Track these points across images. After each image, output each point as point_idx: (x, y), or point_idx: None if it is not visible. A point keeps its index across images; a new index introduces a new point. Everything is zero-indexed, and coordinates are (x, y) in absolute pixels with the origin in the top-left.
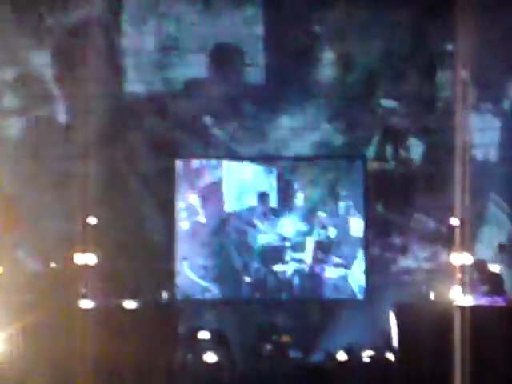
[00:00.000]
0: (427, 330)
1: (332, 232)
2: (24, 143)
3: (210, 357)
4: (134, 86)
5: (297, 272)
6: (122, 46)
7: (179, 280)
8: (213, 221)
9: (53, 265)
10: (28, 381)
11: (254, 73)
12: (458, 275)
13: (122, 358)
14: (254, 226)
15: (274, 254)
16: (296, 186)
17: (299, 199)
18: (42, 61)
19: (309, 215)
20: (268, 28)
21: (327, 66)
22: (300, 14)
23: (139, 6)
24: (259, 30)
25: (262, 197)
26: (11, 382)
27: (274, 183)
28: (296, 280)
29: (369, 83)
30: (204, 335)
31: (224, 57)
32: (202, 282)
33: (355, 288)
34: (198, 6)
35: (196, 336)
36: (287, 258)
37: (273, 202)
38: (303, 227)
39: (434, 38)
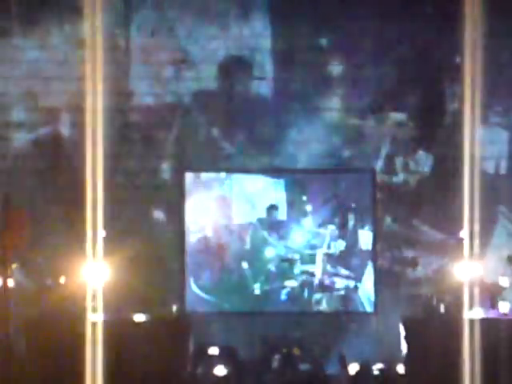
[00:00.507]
0: (436, 343)
1: (341, 245)
2: (31, 156)
3: (220, 370)
4: (144, 98)
5: (306, 284)
6: (131, 58)
7: (189, 293)
8: (222, 234)
9: (62, 278)
10: None
11: (263, 85)
12: (467, 288)
13: (133, 371)
14: (263, 239)
15: (283, 266)
16: (305, 198)
17: (308, 212)
18: (50, 73)
19: (318, 228)
20: (276, 41)
21: (335, 79)
22: (308, 26)
23: (148, 18)
24: (267, 42)
25: (271, 209)
26: None
27: (283, 196)
28: (305, 293)
29: (377, 96)
30: (213, 351)
31: (233, 69)
32: (212, 295)
33: (364, 301)
34: (207, 18)
35: (206, 351)
36: (296, 270)
37: (282, 215)
38: (312, 240)
39: (442, 50)
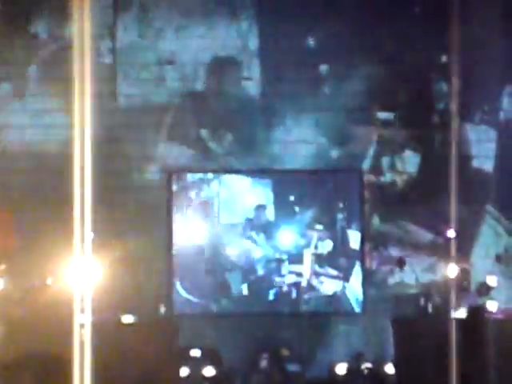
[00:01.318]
0: (425, 342)
1: (329, 245)
2: (20, 157)
3: (208, 371)
4: (131, 99)
5: (294, 285)
6: (118, 60)
7: (176, 295)
8: (209, 234)
9: (49, 280)
10: None
11: (251, 86)
12: (455, 287)
13: (121, 373)
14: (251, 239)
15: (271, 266)
16: (292, 198)
17: (296, 212)
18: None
19: (305, 228)
20: (264, 41)
21: (323, 79)
22: (296, 26)
23: (135, 19)
24: (255, 43)
25: (259, 209)
26: None
27: (271, 196)
28: (293, 293)
29: (364, 95)
30: (195, 353)
31: (220, 70)
32: (199, 296)
33: (353, 301)
34: (194, 19)
35: (193, 353)
36: (284, 270)
37: (269, 215)
38: (300, 240)
39: (429, 49)
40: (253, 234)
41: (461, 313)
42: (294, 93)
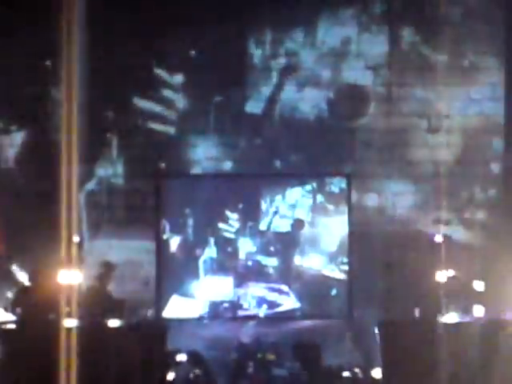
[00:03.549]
0: (413, 347)
1: None
2: (12, 160)
3: (194, 376)
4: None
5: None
6: None
7: (164, 299)
8: (198, 238)
9: (36, 284)
10: None
11: None
12: (442, 291)
13: (107, 377)
14: (236, 240)
15: (257, 270)
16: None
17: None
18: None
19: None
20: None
21: None
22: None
23: None
24: None
25: (244, 213)
26: None
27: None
28: (279, 297)
29: None
30: (181, 357)
31: None
32: (186, 300)
33: (339, 305)
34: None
35: (178, 357)
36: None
37: (253, 219)
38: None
39: None
40: (238, 236)
41: (448, 317)
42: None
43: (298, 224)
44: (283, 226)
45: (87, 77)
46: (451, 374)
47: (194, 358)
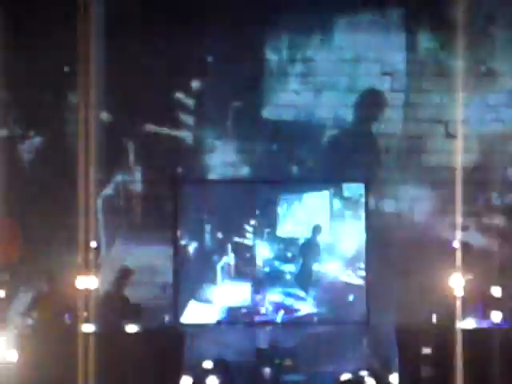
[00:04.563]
0: (430, 352)
1: None
2: (25, 167)
3: (213, 381)
4: None
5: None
6: None
7: (181, 305)
8: (213, 244)
9: (54, 289)
10: None
11: None
12: (460, 297)
13: (124, 382)
14: (253, 246)
15: (274, 275)
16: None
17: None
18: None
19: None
20: None
21: None
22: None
23: None
24: None
25: (261, 218)
26: None
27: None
28: (296, 302)
29: None
30: (207, 364)
31: None
32: (203, 306)
33: (357, 310)
34: None
35: (199, 363)
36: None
37: (271, 225)
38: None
39: None
40: (255, 242)
41: (466, 323)
42: None
43: (315, 230)
44: (300, 231)
45: (104, 83)
46: (468, 380)
47: (220, 364)
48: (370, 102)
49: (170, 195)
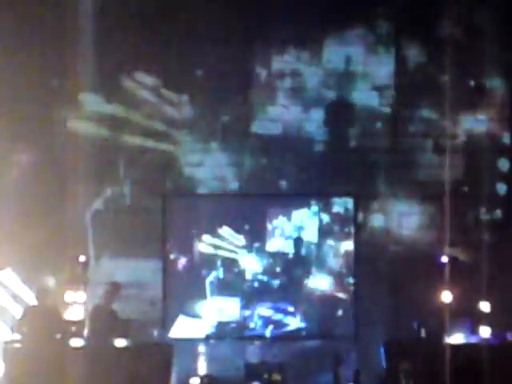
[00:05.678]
0: (418, 367)
1: None
2: (17, 181)
3: None
4: None
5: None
6: None
7: (170, 318)
8: (199, 258)
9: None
10: None
11: None
12: (449, 312)
13: None
14: (242, 261)
15: (263, 290)
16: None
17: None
18: None
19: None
20: None
21: None
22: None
23: None
24: None
25: (250, 233)
26: None
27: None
28: (285, 317)
29: None
30: (195, 381)
31: None
32: (192, 320)
33: (345, 324)
34: None
35: (188, 382)
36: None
37: (259, 239)
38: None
39: None
40: (242, 257)
41: (455, 338)
42: None
43: (296, 242)
44: (289, 246)
45: (93, 95)
46: None
47: (208, 381)
48: (359, 117)
49: (159, 209)
